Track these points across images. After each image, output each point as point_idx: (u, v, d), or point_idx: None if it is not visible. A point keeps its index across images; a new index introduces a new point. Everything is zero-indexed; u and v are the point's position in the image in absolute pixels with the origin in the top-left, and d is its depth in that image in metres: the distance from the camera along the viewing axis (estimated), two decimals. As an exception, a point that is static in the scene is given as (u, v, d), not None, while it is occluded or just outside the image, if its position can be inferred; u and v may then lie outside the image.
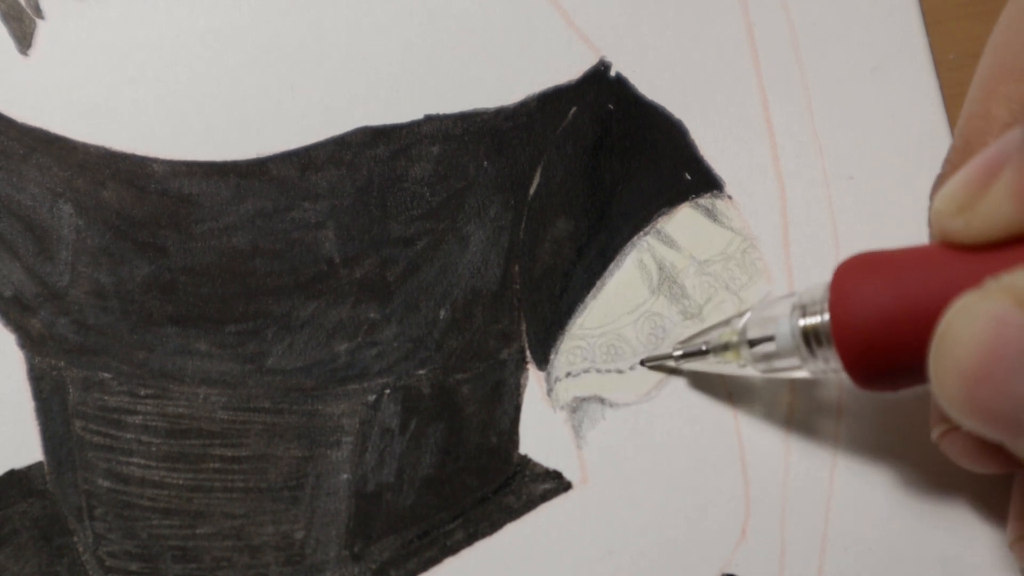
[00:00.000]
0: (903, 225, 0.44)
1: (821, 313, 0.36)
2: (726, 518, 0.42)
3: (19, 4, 0.45)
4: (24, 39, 0.45)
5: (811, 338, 0.36)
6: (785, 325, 0.37)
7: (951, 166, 0.38)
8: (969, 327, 0.30)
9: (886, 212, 0.44)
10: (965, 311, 0.30)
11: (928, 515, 0.41)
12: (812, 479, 0.42)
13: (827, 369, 0.37)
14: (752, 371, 0.40)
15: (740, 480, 0.42)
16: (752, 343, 0.39)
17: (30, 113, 0.44)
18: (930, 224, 0.35)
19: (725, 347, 0.40)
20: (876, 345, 0.34)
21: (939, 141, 0.44)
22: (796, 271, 0.43)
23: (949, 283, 0.33)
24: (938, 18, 0.45)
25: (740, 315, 0.40)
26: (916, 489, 0.42)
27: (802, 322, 0.37)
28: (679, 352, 0.42)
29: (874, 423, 0.42)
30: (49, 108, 0.44)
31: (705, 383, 0.43)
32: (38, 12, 0.45)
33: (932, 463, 0.42)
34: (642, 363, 0.43)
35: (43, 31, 0.45)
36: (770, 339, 0.38)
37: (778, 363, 0.38)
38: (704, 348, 0.41)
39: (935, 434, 0.38)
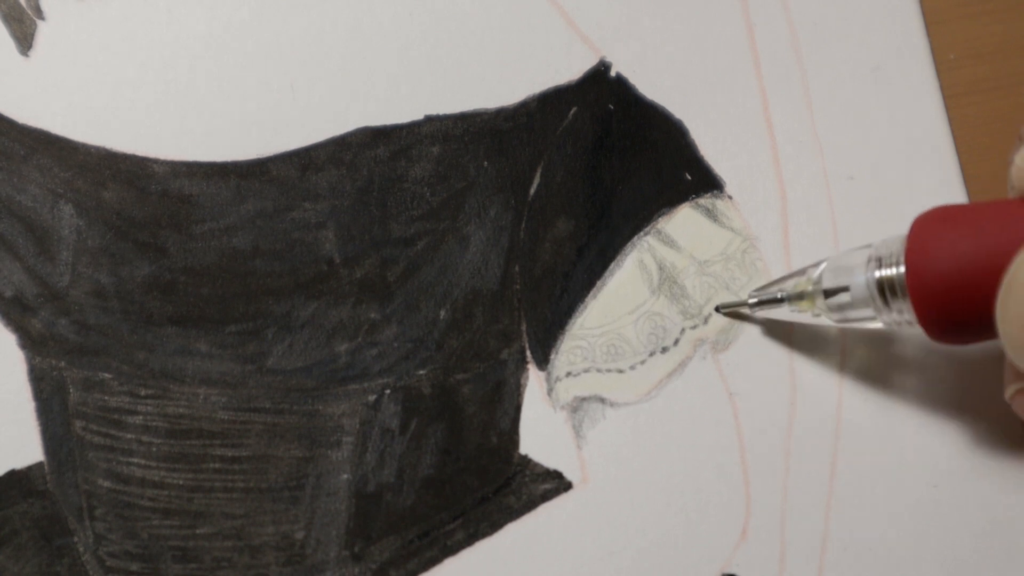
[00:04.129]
0: (904, 225, 0.43)
1: (897, 265, 0.37)
2: (726, 518, 0.42)
3: (20, 5, 0.45)
4: (25, 40, 0.45)
5: (886, 289, 0.37)
6: (860, 276, 0.38)
7: None
8: None
9: (886, 212, 0.44)
10: None
11: (927, 515, 0.41)
12: (812, 479, 0.42)
13: (901, 321, 0.37)
14: (826, 320, 0.40)
15: (740, 480, 0.42)
16: (827, 293, 0.39)
17: (31, 114, 0.44)
18: (1010, 180, 0.36)
19: (800, 296, 0.40)
20: (950, 296, 0.35)
21: (939, 141, 0.44)
22: (796, 271, 0.44)
23: None
24: (938, 18, 0.45)
25: (816, 265, 0.40)
26: (916, 489, 0.42)
27: (878, 273, 0.37)
28: (754, 300, 0.42)
29: (874, 423, 0.42)
30: (50, 109, 0.44)
31: (704, 382, 0.43)
32: (39, 13, 0.45)
33: (932, 463, 0.42)
34: (717, 309, 0.43)
35: (44, 32, 0.45)
36: (845, 290, 0.38)
37: (852, 314, 0.39)
38: (780, 296, 0.41)
39: (1009, 392, 0.38)
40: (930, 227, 0.36)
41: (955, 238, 0.35)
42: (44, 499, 0.42)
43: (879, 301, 0.37)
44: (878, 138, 0.44)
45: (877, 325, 0.38)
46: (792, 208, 0.44)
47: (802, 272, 0.41)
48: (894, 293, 0.37)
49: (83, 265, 0.43)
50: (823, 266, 0.40)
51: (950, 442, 0.42)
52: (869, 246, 0.38)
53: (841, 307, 0.39)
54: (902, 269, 0.36)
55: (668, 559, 0.41)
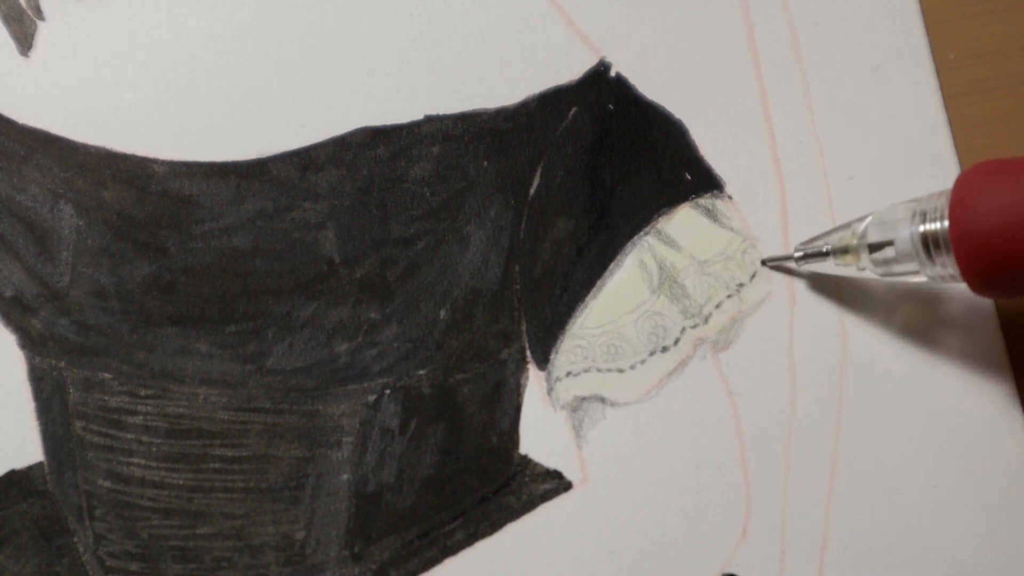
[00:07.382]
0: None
1: (941, 219, 0.37)
2: (726, 518, 0.42)
3: (20, 5, 0.45)
4: (25, 40, 0.45)
5: (930, 244, 0.37)
6: (905, 230, 0.38)
7: None
8: None
9: (886, 212, 0.44)
10: None
11: (927, 515, 0.41)
12: (812, 479, 0.42)
13: (944, 275, 0.38)
14: (871, 275, 0.40)
15: (740, 480, 0.42)
16: (872, 248, 0.39)
17: (31, 114, 0.44)
18: None
19: (845, 250, 0.40)
20: (993, 249, 0.36)
21: (939, 141, 0.44)
22: (796, 271, 0.44)
23: None
24: (938, 18, 0.45)
25: (861, 219, 0.40)
26: (916, 489, 0.42)
27: (922, 228, 0.38)
28: (800, 253, 0.42)
29: (875, 423, 0.42)
30: (50, 109, 0.44)
31: (704, 382, 0.43)
32: (39, 14, 0.45)
33: (932, 463, 0.42)
34: (763, 263, 0.43)
35: (44, 32, 0.45)
36: (890, 244, 0.39)
37: (896, 268, 0.39)
38: (825, 250, 0.41)
39: None
40: (974, 181, 0.36)
41: (998, 192, 0.35)
42: (44, 499, 0.42)
43: (923, 255, 0.38)
44: (878, 138, 0.44)
45: (921, 279, 0.39)
46: (792, 208, 0.44)
47: (847, 226, 0.41)
48: (938, 247, 0.37)
49: (83, 265, 0.43)
50: (868, 220, 0.40)
51: (950, 442, 0.42)
52: (914, 200, 0.39)
53: (885, 261, 0.39)
54: (946, 223, 0.37)
55: (668, 559, 0.41)
